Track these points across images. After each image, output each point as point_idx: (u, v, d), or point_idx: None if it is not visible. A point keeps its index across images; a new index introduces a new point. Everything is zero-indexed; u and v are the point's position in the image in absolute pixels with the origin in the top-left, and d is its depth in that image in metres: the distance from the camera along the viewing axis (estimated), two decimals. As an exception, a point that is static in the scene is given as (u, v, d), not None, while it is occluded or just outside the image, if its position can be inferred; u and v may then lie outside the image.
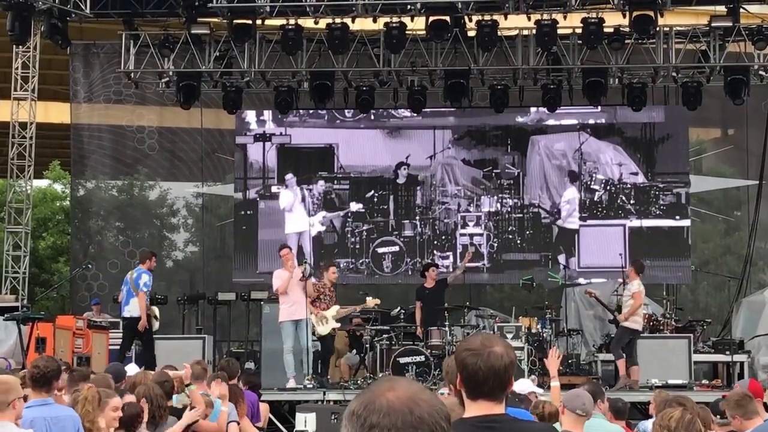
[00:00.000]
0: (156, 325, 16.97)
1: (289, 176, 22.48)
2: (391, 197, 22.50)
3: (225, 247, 23.47)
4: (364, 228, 22.46)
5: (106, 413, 8.14)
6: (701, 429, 5.79)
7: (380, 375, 16.40)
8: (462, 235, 22.18)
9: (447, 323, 17.11)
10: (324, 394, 15.73)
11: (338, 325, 17.08)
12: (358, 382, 16.67)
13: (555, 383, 9.24)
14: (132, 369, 12.14)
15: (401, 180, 22.49)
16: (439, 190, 22.44)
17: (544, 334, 17.59)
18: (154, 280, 18.38)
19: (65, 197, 33.20)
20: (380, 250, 22.29)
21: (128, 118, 23.17)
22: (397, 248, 22.22)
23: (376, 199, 22.52)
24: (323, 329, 16.72)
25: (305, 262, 16.57)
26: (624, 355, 16.61)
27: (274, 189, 22.51)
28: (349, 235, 22.45)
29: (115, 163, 23.72)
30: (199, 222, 24.76)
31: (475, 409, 3.95)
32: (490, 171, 22.20)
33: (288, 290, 16.22)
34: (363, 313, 18.65)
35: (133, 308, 16.63)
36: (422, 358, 16.56)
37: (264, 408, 13.24)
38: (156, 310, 17.15)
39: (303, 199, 22.68)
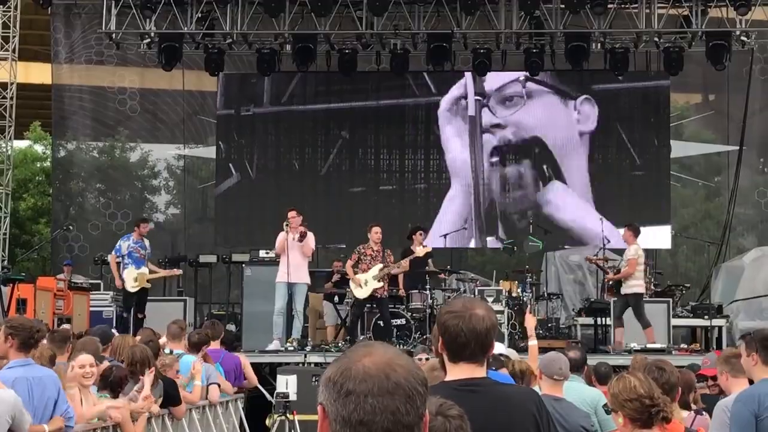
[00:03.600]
0: (130, 286, 16.93)
1: None
2: None
3: (206, 210, 23.42)
4: None
5: (73, 370, 8.16)
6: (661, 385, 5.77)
7: (360, 338, 16.42)
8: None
9: (428, 287, 17.12)
10: (305, 356, 15.74)
11: (381, 285, 16.38)
12: (339, 344, 16.67)
13: (532, 342, 9.28)
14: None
15: None
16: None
17: (525, 298, 17.63)
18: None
19: (46, 158, 33.03)
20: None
21: (110, 80, 23.02)
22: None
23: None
24: (361, 292, 16.34)
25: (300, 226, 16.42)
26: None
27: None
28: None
29: (96, 124, 23.59)
30: (180, 184, 24.68)
31: (457, 372, 3.94)
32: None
33: (288, 252, 16.10)
34: (340, 279, 18.59)
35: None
36: (403, 321, 16.59)
37: (245, 362, 13.23)
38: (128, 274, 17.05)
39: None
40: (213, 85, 22.10)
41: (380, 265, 16.37)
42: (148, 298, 18.40)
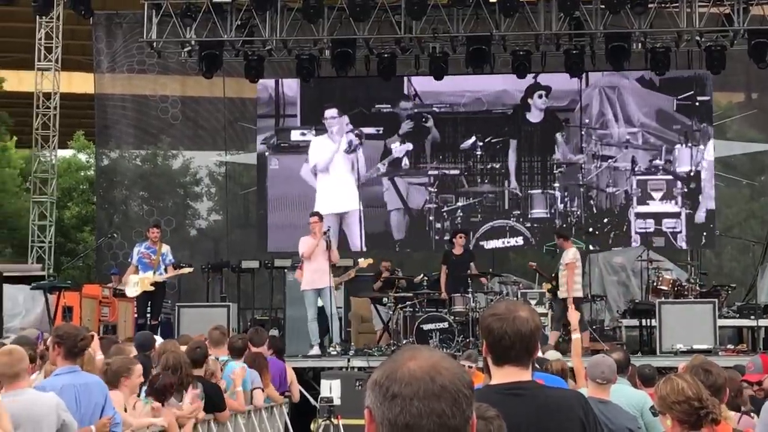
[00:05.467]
0: (130, 291, 16.94)
1: (331, 113, 21.72)
2: (513, 147, 21.29)
3: (248, 215, 23.51)
4: (459, 205, 21.30)
5: (131, 380, 8.22)
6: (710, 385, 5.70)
7: (404, 342, 16.41)
8: (641, 216, 20.63)
9: (470, 290, 17.09)
10: (348, 360, 15.75)
11: (336, 293, 16.82)
12: (382, 349, 16.68)
13: (575, 336, 9.17)
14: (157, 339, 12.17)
15: (534, 116, 21.15)
16: (595, 135, 21.35)
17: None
18: (178, 249, 18.49)
19: (90, 167, 33.34)
20: (491, 245, 21.15)
21: (151, 88, 23.17)
22: (520, 241, 21.15)
23: (481, 152, 21.19)
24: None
25: (326, 233, 16.44)
26: (560, 329, 16.53)
27: (297, 135, 22.02)
28: (431, 218, 21.56)
29: (138, 132, 23.76)
30: (222, 190, 24.79)
31: (501, 375, 3.92)
32: (690, 98, 20.98)
33: (314, 257, 16.15)
34: (385, 280, 18.68)
35: None
36: (446, 324, 16.55)
37: (290, 373, 13.27)
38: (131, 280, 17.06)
39: (351, 151, 21.92)
40: (253, 92, 22.20)
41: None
42: (193, 304, 18.50)
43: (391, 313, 17.64)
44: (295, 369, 13.76)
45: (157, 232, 17.03)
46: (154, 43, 19.91)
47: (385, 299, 18.15)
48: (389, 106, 21.77)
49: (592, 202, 21.39)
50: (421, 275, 18.10)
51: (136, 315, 17.41)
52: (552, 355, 10.08)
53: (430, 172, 21.65)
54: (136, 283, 16.61)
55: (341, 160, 21.69)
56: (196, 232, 24.90)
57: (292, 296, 17.57)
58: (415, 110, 21.70)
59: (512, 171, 21.37)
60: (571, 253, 16.48)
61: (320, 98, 21.79)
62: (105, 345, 9.85)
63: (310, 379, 15.58)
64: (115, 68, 22.95)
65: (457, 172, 21.52)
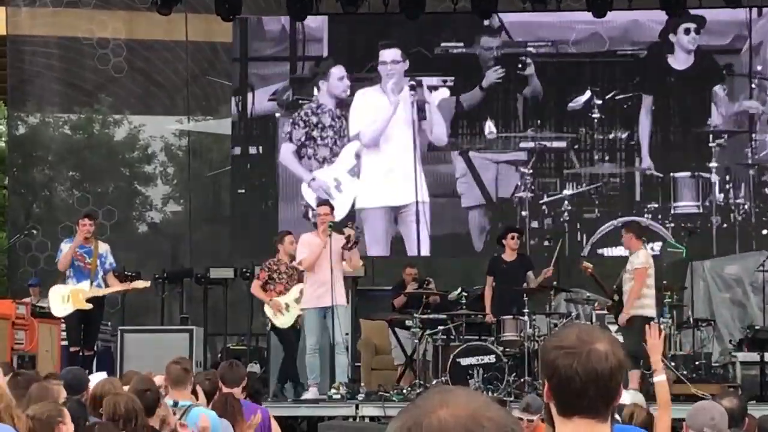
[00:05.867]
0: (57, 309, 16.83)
1: (391, 54, 21.35)
2: (647, 108, 21.20)
3: (219, 206, 23.52)
4: (566, 194, 21.00)
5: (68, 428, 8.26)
6: None
7: (434, 382, 16.43)
8: None
9: (526, 310, 17.07)
10: (357, 407, 15.79)
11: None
12: (404, 391, 16.70)
13: (658, 378, 9.04)
14: (96, 376, 12.18)
15: (680, 61, 20.91)
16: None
17: (662, 326, 17.51)
18: (122, 251, 18.46)
19: (0, 137, 33.47)
20: (613, 252, 20.84)
21: (86, 28, 23.20)
22: (658, 248, 20.48)
23: (599, 115, 20.89)
24: (285, 320, 16.64)
25: (352, 226, 16.46)
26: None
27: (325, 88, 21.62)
28: (524, 213, 21.29)
29: (67, 89, 23.79)
30: (183, 171, 24.85)
31: (570, 429, 3.93)
32: None
33: (316, 265, 16.16)
34: (410, 296, 18.68)
35: None
36: (492, 358, 16.56)
37: (276, 425, 13.33)
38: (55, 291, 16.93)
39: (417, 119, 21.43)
40: (227, 35, 22.19)
41: (300, 286, 16.67)
42: (142, 327, 18.51)
43: (416, 341, 17.65)
44: (283, 418, 13.80)
45: (90, 224, 17.00)
46: (90, -34, 19.99)
47: (408, 322, 18.14)
48: (462, 44, 21.48)
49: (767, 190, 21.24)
50: (459, 289, 18.07)
51: (65, 342, 17.44)
52: (633, 398, 10.05)
53: (523, 145, 21.40)
54: (65, 298, 16.54)
55: (399, 130, 21.25)
56: (146, 229, 24.99)
57: (279, 317, 17.63)
58: (504, 50, 21.41)
59: (645, 143, 21.13)
60: (642, 256, 16.32)
61: (365, 33, 21.62)
62: (20, 384, 9.85)
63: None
64: (36, 0, 22.98)
65: (563, 144, 21.31)
